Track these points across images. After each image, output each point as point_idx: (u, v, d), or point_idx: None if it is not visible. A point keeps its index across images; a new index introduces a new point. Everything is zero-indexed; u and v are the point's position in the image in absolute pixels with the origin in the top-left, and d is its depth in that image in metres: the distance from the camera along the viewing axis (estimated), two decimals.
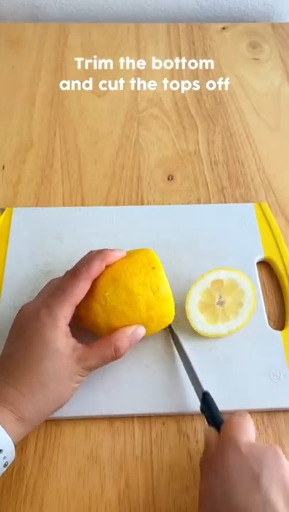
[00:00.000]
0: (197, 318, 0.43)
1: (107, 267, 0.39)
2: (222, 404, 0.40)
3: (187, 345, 0.43)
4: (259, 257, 0.50)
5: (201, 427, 0.40)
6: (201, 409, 0.38)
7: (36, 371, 0.34)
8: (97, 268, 0.37)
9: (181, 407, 0.41)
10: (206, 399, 0.38)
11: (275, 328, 0.45)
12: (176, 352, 0.43)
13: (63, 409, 0.37)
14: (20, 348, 0.35)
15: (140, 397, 0.41)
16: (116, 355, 0.37)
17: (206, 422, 0.38)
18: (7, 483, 0.38)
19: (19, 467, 0.38)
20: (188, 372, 0.41)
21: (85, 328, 0.39)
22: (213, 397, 0.38)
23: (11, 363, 0.35)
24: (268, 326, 0.45)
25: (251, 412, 0.41)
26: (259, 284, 0.48)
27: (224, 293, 0.44)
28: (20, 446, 0.39)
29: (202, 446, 0.39)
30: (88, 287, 0.37)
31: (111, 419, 0.41)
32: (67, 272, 0.39)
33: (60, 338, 0.35)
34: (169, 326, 0.43)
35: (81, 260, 0.39)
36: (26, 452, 0.39)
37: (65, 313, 0.36)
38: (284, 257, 0.49)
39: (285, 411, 0.41)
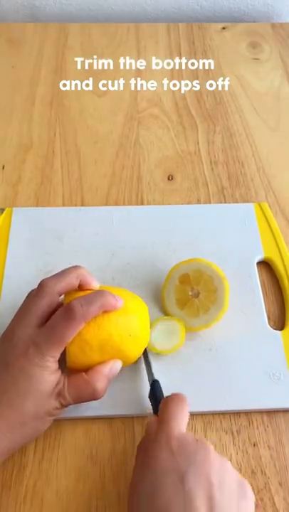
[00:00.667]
0: (180, 317, 0.44)
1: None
2: (222, 404, 0.40)
3: (187, 346, 0.43)
4: (259, 257, 0.50)
5: (199, 426, 0.40)
6: (149, 397, 0.39)
7: (17, 410, 0.34)
8: (94, 313, 0.36)
9: None
10: (153, 387, 0.39)
11: (275, 328, 0.45)
12: (175, 352, 0.43)
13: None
14: (3, 382, 0.34)
15: (140, 398, 0.40)
16: (95, 397, 0.36)
17: (152, 411, 0.38)
18: (7, 484, 0.38)
19: (19, 468, 0.38)
20: (145, 361, 0.41)
21: None
22: (214, 393, 0.38)
23: None
24: (268, 326, 0.45)
25: (251, 412, 0.41)
26: (259, 284, 0.48)
27: (194, 284, 0.44)
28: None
29: None
30: (80, 328, 0.35)
31: (111, 419, 0.41)
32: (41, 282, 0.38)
33: (46, 377, 0.34)
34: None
35: (69, 272, 0.38)
36: (26, 453, 0.39)
37: (54, 354, 0.35)
38: (284, 257, 0.49)
39: (285, 411, 0.41)
